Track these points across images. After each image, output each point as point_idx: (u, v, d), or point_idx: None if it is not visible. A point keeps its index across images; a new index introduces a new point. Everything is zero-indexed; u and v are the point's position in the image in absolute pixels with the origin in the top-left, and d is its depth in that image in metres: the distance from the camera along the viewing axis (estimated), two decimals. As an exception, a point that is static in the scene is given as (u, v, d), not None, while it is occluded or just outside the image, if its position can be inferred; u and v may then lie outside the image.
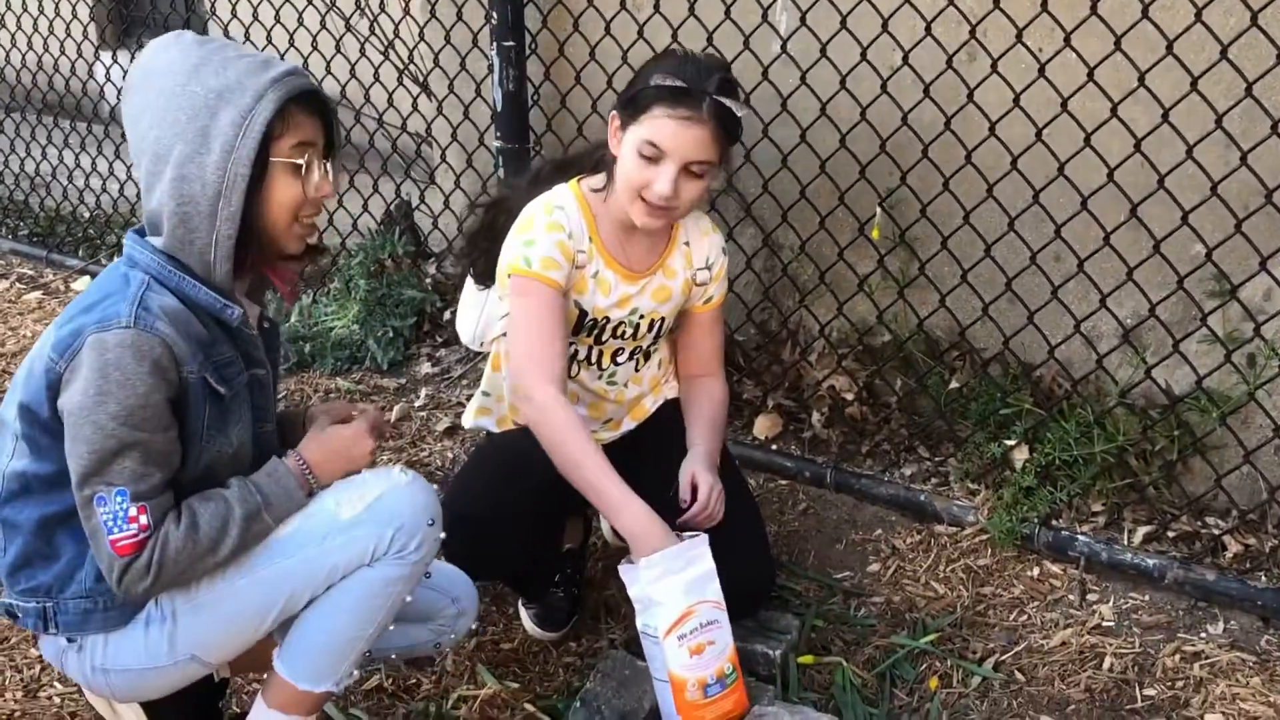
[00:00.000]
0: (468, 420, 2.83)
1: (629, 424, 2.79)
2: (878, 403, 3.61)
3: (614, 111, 2.46)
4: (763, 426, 3.64)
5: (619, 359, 2.66)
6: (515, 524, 2.56)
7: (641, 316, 2.62)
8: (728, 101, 2.37)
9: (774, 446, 3.59)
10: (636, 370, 2.71)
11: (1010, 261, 3.25)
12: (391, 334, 4.25)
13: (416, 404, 3.94)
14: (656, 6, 3.54)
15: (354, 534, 2.11)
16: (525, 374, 2.42)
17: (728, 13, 3.40)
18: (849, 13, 3.21)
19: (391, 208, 4.55)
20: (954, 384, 3.43)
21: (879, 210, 3.38)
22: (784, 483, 3.48)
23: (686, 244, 2.66)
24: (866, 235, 3.40)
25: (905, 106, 3.19)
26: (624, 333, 2.62)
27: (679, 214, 2.49)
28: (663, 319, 2.65)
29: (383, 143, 4.67)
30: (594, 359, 2.64)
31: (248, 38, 4.76)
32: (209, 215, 1.97)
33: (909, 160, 3.26)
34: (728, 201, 3.68)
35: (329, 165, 2.08)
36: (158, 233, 2.01)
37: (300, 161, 2.03)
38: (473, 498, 2.53)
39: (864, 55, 3.18)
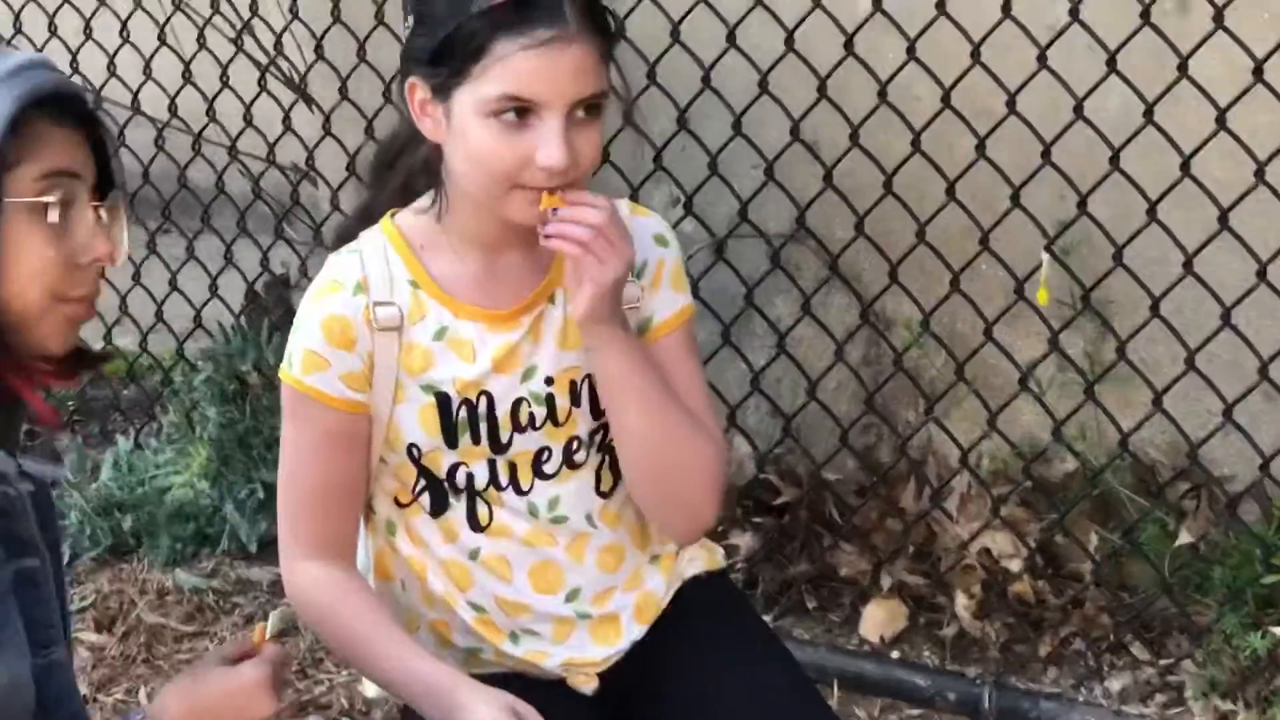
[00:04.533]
0: (370, 688, 2.80)
1: (634, 627, 2.66)
2: (1061, 574, 3.60)
3: (411, 80, 2.43)
4: (875, 621, 3.63)
5: (546, 467, 2.56)
6: None
7: (550, 380, 2.54)
8: None
9: (895, 653, 3.59)
10: (600, 492, 2.60)
11: (1264, 331, 3.24)
12: (262, 494, 4.22)
13: (306, 607, 3.94)
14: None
15: None
16: (281, 544, 2.56)
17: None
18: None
19: (257, 287, 4.56)
20: (1185, 537, 3.41)
21: (1046, 258, 3.38)
22: (914, 712, 3.47)
23: None
24: (1029, 299, 3.39)
25: (1079, 88, 3.19)
26: (532, 417, 2.54)
27: (578, 184, 2.42)
28: (589, 378, 2.56)
29: (239, 183, 4.66)
30: (505, 481, 2.56)
31: (19, 30, 4.84)
32: None
33: (1092, 174, 3.26)
34: (804, 252, 3.69)
35: (104, 212, 2.05)
36: None
37: (51, 200, 2.00)
38: None
39: (1007, 6, 3.17)
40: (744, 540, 3.77)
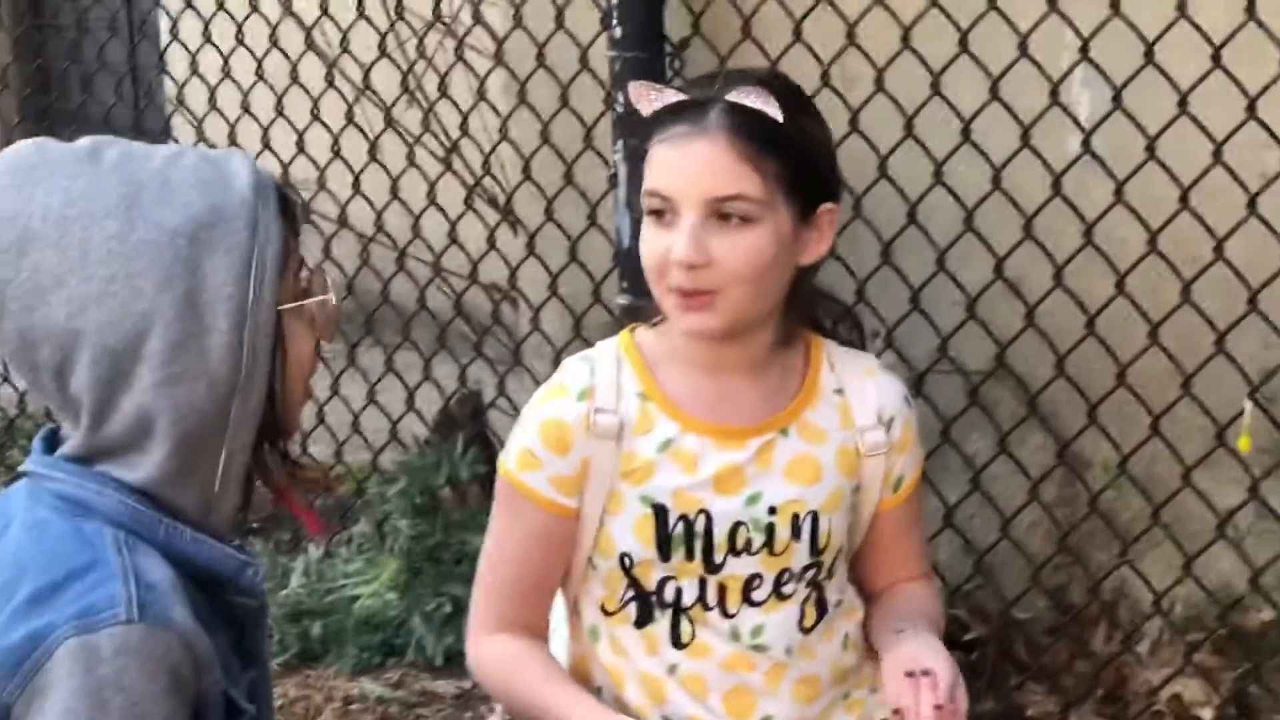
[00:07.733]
0: None
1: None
2: (1255, 724, 3.53)
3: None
4: (1064, 762, 3.58)
5: (755, 595, 2.53)
6: None
7: (774, 510, 2.51)
8: (749, 101, 2.35)
9: (1083, 797, 3.54)
10: (803, 628, 2.57)
11: None
12: (450, 608, 4.22)
13: (491, 722, 3.94)
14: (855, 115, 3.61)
15: None
16: (470, 622, 2.63)
17: (993, 91, 3.44)
18: (1196, 85, 3.19)
19: (452, 404, 4.59)
20: (1387, 692, 3.35)
21: (1249, 405, 3.36)
22: None
23: (839, 391, 2.55)
24: (1229, 446, 3.36)
25: (1291, 234, 3.18)
26: (749, 542, 2.51)
27: (731, 295, 2.38)
28: (813, 515, 2.52)
29: (439, 300, 4.73)
30: (713, 601, 2.54)
31: (233, 140, 4.93)
32: (218, 424, 1.97)
33: (1299, 321, 3.23)
34: (1002, 390, 3.69)
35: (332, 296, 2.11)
36: (116, 461, 1.98)
37: (327, 297, 2.06)
38: None
39: (1219, 153, 3.16)
40: (931, 676, 3.75)
